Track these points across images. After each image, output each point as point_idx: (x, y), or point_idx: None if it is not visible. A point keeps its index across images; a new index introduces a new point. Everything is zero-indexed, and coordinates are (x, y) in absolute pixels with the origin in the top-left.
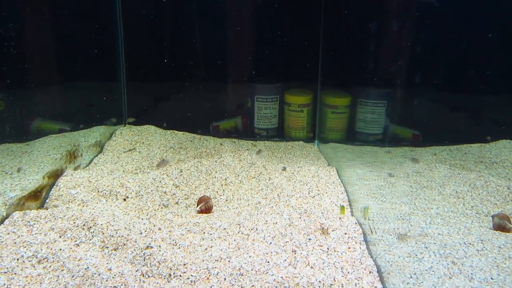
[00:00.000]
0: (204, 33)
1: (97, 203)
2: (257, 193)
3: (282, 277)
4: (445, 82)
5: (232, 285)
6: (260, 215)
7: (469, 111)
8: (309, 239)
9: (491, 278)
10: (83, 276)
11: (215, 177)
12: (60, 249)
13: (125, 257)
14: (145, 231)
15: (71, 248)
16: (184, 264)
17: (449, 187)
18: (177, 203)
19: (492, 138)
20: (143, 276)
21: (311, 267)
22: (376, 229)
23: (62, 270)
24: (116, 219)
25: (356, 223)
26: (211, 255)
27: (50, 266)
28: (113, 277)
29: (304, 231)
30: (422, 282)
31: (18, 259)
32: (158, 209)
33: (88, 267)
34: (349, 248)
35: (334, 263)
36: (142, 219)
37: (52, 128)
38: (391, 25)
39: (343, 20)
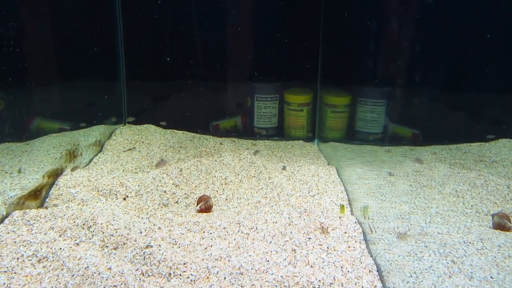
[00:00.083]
0: (204, 32)
1: (97, 202)
2: (257, 192)
3: (282, 276)
4: (445, 81)
5: (232, 284)
6: (260, 214)
7: (469, 110)
8: (309, 238)
9: (491, 277)
10: (83, 275)
11: (215, 176)
12: (60, 248)
13: (125, 256)
14: (145, 230)
15: (71, 247)
16: (184, 263)
17: (449, 186)
18: (177, 202)
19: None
20: (143, 275)
21: (311, 266)
22: (376, 228)
23: (62, 269)
24: (116, 218)
25: (356, 222)
26: (211, 254)
27: (50, 265)
28: (113, 276)
29: (304, 230)
30: (422, 281)
31: (18, 258)
32: (158, 208)
33: (88, 266)
34: (349, 247)
35: (334, 262)
36: (142, 218)
37: (52, 127)
38: (391, 24)
39: (343, 19)
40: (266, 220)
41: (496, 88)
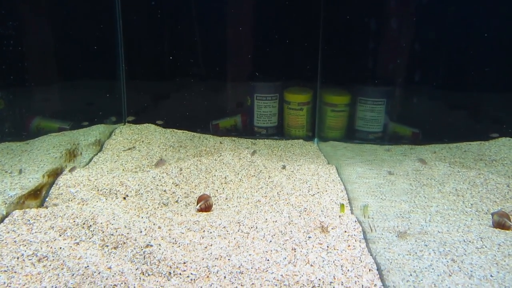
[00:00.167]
0: (204, 31)
1: (97, 201)
2: (256, 192)
3: (282, 275)
4: (445, 80)
5: (232, 283)
6: (260, 213)
7: (468, 109)
8: (309, 237)
9: (491, 276)
10: (83, 274)
11: (214, 175)
12: (60, 248)
13: (125, 256)
14: (145, 229)
15: (71, 246)
16: (184, 263)
17: (449, 185)
18: (177, 201)
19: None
20: (143, 274)
21: (311, 265)
22: (376, 227)
23: (62, 269)
24: (116, 217)
25: (355, 221)
26: (211, 253)
27: (50, 265)
28: (113, 276)
29: (304, 229)
30: (421, 280)
31: (18, 258)
32: (158, 207)
33: (88, 266)
34: (348, 246)
35: (333, 261)
36: (142, 217)
37: (52, 126)
38: (390, 23)
39: (343, 18)
40: (266, 219)
41: (495, 87)
